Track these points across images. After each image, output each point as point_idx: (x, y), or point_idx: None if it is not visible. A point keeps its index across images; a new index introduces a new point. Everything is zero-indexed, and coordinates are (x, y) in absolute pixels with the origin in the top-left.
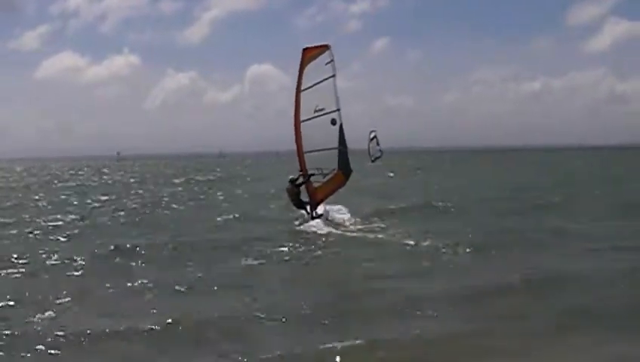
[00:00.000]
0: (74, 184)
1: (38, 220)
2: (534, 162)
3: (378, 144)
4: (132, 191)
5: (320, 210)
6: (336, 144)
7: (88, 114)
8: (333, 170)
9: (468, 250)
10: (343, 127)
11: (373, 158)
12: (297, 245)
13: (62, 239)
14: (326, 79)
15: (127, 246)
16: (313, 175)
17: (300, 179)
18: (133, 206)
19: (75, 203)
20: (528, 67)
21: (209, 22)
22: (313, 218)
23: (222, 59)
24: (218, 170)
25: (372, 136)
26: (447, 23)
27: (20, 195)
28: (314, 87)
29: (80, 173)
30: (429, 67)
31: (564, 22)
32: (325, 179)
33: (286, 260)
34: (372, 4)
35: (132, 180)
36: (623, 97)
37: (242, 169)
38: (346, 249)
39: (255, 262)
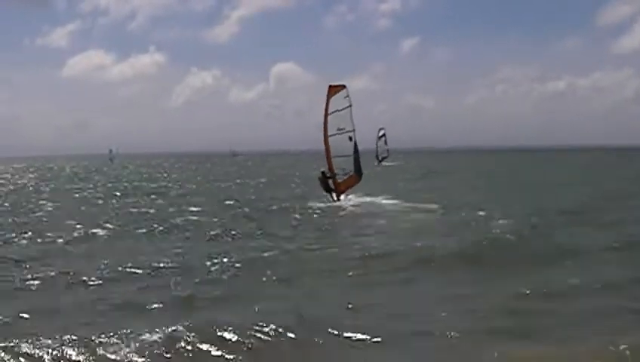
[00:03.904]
0: None
1: None
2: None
3: (386, 143)
4: None
5: (342, 197)
6: (352, 152)
7: (110, 112)
8: (350, 171)
9: None
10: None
11: (380, 159)
12: None
13: None
14: (345, 108)
15: None
16: (337, 175)
17: (329, 175)
18: None
19: None
20: (554, 67)
21: (238, 20)
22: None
23: (248, 58)
24: None
25: (381, 134)
26: (477, 23)
27: None
28: (336, 113)
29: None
30: (456, 66)
31: (593, 21)
32: (346, 177)
33: None
34: (402, 2)
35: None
36: None
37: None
38: None
39: None
